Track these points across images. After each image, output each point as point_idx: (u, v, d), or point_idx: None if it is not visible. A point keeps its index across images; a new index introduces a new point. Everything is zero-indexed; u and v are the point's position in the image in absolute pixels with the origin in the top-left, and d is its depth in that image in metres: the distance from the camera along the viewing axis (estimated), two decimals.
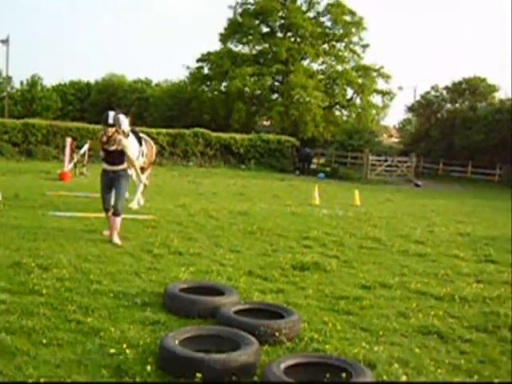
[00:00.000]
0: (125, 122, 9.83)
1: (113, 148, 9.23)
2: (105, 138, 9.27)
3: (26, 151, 29.41)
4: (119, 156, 9.29)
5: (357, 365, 4.24)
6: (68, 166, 19.79)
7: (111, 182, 9.37)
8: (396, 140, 60.58)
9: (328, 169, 36.74)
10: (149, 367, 4.26)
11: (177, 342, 4.47)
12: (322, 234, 11.45)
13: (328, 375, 4.15)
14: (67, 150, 20.48)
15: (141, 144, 13.09)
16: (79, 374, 4.17)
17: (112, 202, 9.50)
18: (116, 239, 9.13)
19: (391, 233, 12.51)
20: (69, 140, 21.12)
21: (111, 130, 9.19)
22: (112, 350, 4.54)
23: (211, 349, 4.48)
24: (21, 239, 8.90)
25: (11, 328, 4.98)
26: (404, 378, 4.26)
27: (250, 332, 4.87)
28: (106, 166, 9.41)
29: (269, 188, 22.79)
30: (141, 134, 13.46)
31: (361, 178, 33.22)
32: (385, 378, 4.29)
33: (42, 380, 3.94)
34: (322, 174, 34.31)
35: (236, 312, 5.45)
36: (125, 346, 4.62)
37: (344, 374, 4.09)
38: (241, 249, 9.46)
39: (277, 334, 5.05)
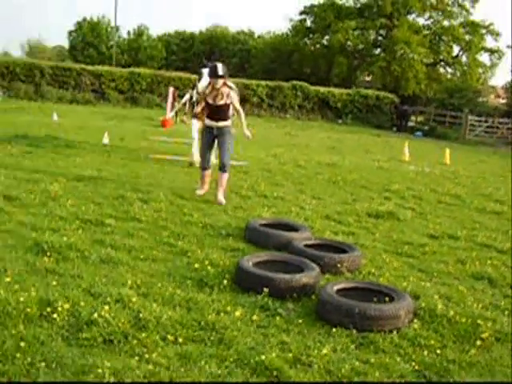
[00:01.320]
0: (205, 78, 10.09)
1: (221, 102, 8.60)
2: (213, 91, 8.61)
3: (132, 98, 31.10)
4: (226, 111, 8.72)
5: (400, 292, 4.92)
6: (170, 114, 20.95)
7: (214, 139, 8.91)
8: (503, 101, 58.56)
9: (426, 127, 36.43)
10: (225, 281, 5.12)
11: (251, 263, 5.30)
12: (403, 188, 11.95)
13: (374, 298, 4.86)
14: (169, 99, 21.61)
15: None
16: (168, 282, 5.08)
17: (213, 158, 9.36)
18: (221, 198, 8.70)
19: (473, 191, 12.82)
20: (171, 89, 22.23)
21: (221, 82, 8.50)
22: (196, 265, 5.45)
23: (279, 271, 5.27)
24: (125, 176, 10.01)
25: (115, 245, 5.99)
26: (439, 307, 4.90)
27: (315, 262, 5.62)
28: (210, 122, 8.81)
29: (362, 143, 23.21)
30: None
31: (458, 138, 32.85)
32: (423, 304, 4.95)
33: (139, 281, 4.90)
34: (419, 133, 34.16)
35: (306, 246, 6.22)
36: (207, 264, 5.51)
37: (387, 298, 4.79)
38: (322, 196, 10.19)
39: (338, 265, 5.80)
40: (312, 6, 48.49)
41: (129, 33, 62.32)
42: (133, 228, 6.76)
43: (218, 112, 8.68)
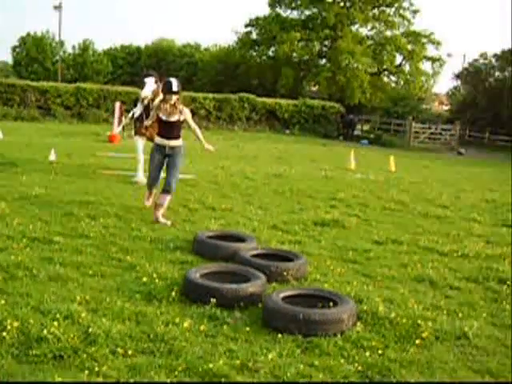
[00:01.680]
0: (149, 85, 10.74)
1: (175, 118, 8.27)
2: (166, 107, 8.24)
3: (78, 114, 30.81)
4: (179, 128, 8.42)
5: (344, 297, 5.11)
6: (117, 129, 20.88)
7: (165, 158, 8.47)
8: (446, 108, 60.15)
9: (372, 135, 37.14)
10: (174, 294, 5.23)
11: (198, 274, 5.41)
12: (349, 196, 12.24)
13: (319, 304, 5.02)
14: (116, 114, 21.57)
15: None
16: (117, 296, 5.15)
17: (161, 178, 8.77)
18: (162, 219, 8.32)
19: (417, 197, 13.20)
20: (118, 104, 22.17)
21: (175, 98, 8.20)
22: (145, 279, 5.54)
23: (226, 281, 5.40)
24: (72, 193, 9.98)
25: (64, 262, 6.02)
26: (381, 309, 5.11)
27: (262, 271, 5.77)
28: (161, 140, 8.39)
29: (309, 153, 23.53)
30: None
31: (403, 145, 33.62)
32: (366, 308, 5.16)
33: (88, 297, 4.95)
34: (365, 141, 34.81)
35: (252, 255, 6.37)
36: (156, 277, 5.60)
37: (331, 303, 4.97)
38: (270, 206, 10.36)
39: (284, 273, 5.96)
40: (257, 19, 49.01)
41: (74, 47, 61.90)
42: (81, 244, 6.79)
43: (171, 129, 8.32)
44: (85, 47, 60.92)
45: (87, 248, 6.66)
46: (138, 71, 60.74)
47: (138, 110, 11.72)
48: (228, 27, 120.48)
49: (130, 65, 63.44)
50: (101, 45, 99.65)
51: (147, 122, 9.45)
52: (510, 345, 4.87)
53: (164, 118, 8.31)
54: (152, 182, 8.69)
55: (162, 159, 8.47)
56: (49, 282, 5.42)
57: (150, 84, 10.98)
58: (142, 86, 11.10)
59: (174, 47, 62.79)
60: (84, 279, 5.58)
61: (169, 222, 8.26)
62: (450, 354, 4.61)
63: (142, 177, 11.51)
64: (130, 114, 13.57)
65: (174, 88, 8.13)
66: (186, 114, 8.37)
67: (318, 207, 10.75)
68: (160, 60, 60.32)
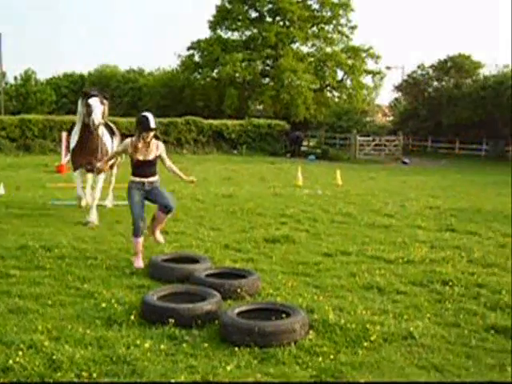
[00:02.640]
0: (98, 108, 9.89)
1: (151, 157, 7.75)
2: (143, 146, 7.67)
3: (24, 146, 30.51)
4: (155, 164, 7.90)
5: (296, 309, 5.39)
6: (65, 159, 20.83)
7: (146, 195, 7.88)
8: (389, 119, 61.49)
9: (318, 150, 37.78)
10: (133, 317, 5.42)
11: (155, 297, 5.62)
12: (298, 212, 12.59)
13: (273, 317, 5.29)
14: (63, 143, 21.52)
15: (114, 136, 11.60)
16: (78, 324, 5.32)
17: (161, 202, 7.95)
18: (160, 236, 8.29)
19: (363, 208, 13.64)
20: (64, 134, 22.13)
21: (151, 135, 7.66)
22: (104, 305, 5.72)
23: (182, 301, 5.62)
24: (25, 226, 10.04)
25: (22, 294, 6.16)
26: (331, 317, 5.41)
27: (217, 289, 6.01)
28: (140, 179, 7.77)
29: (257, 171, 23.87)
30: (110, 124, 11.83)
31: (349, 159, 34.33)
32: (317, 317, 5.45)
33: (50, 326, 5.11)
34: (312, 156, 35.37)
35: (207, 275, 6.61)
36: (114, 302, 5.78)
37: (284, 315, 5.24)
38: (221, 227, 10.61)
39: (238, 290, 6.22)
40: (199, 41, 49.38)
41: (15, 78, 61.23)
42: (38, 276, 6.91)
43: (149, 168, 7.77)
44: (27, 77, 60.41)
45: (44, 279, 6.79)
46: None
47: (74, 139, 10.51)
48: (170, 51, 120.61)
49: (74, 93, 62.85)
50: (43, 74, 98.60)
51: (109, 161, 9.03)
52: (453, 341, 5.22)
53: (141, 158, 7.69)
54: (137, 219, 7.80)
55: (143, 198, 7.85)
56: (9, 315, 5.55)
57: (98, 107, 9.89)
58: (86, 109, 9.90)
59: (118, 73, 62.74)
60: (44, 309, 5.73)
61: (163, 240, 8.37)
62: (397, 353, 4.94)
63: (94, 218, 10.43)
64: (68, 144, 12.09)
65: (152, 125, 7.54)
66: (161, 148, 7.89)
67: (268, 224, 11.03)
68: (104, 86, 60.00)
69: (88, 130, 10.08)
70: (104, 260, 7.73)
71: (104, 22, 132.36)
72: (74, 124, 10.96)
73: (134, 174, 7.82)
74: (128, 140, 7.82)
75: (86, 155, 10.28)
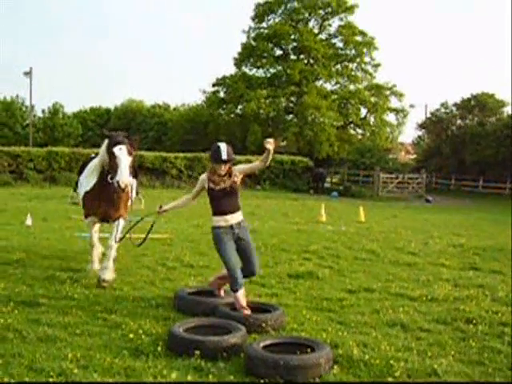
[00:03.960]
0: (125, 163, 7.56)
1: (228, 184, 6.81)
2: (215, 179, 6.81)
3: (51, 178, 31.04)
4: (236, 195, 6.95)
5: (321, 343, 5.45)
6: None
7: (236, 241, 6.84)
8: (412, 157, 61.54)
9: (341, 187, 37.87)
10: (159, 348, 5.51)
11: (182, 329, 5.71)
12: (321, 248, 12.62)
13: (298, 351, 5.34)
14: None
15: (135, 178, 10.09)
16: (106, 353, 5.41)
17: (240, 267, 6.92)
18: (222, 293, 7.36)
19: (387, 245, 13.64)
20: None
21: (225, 169, 6.76)
22: (131, 336, 5.82)
23: (208, 334, 5.70)
24: (52, 256, 10.23)
25: (51, 323, 6.29)
26: (355, 352, 5.45)
27: (242, 323, 6.09)
28: (223, 218, 6.79)
29: (281, 207, 23.99)
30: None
31: (372, 196, 34.34)
32: (341, 352, 5.50)
33: (78, 355, 5.21)
34: (335, 193, 35.46)
35: (232, 309, 6.68)
36: (141, 333, 5.88)
37: (309, 349, 5.30)
38: None
39: (263, 324, 6.28)
40: (224, 78, 50.07)
41: (43, 111, 62.41)
42: (66, 306, 7.05)
43: (230, 198, 6.84)
44: (55, 111, 61.51)
45: (72, 309, 6.92)
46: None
47: (88, 181, 8.55)
48: (196, 87, 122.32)
49: (100, 126, 63.93)
50: (70, 108, 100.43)
51: (177, 207, 7.58)
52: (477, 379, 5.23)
53: (216, 188, 6.79)
54: (234, 270, 6.72)
55: (232, 238, 6.82)
56: (38, 343, 5.67)
57: (125, 161, 7.57)
58: (110, 159, 7.70)
59: (144, 108, 63.68)
60: (72, 338, 5.84)
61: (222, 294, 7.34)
62: None
63: (111, 275, 8.34)
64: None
65: (224, 156, 6.60)
66: (237, 170, 6.94)
67: (291, 260, 11.09)
68: (130, 121, 61.07)
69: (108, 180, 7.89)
70: (130, 292, 7.85)
71: (131, 57, 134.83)
72: (90, 158, 9.38)
73: (215, 214, 6.83)
74: (203, 176, 7.01)
75: (102, 204, 8.36)
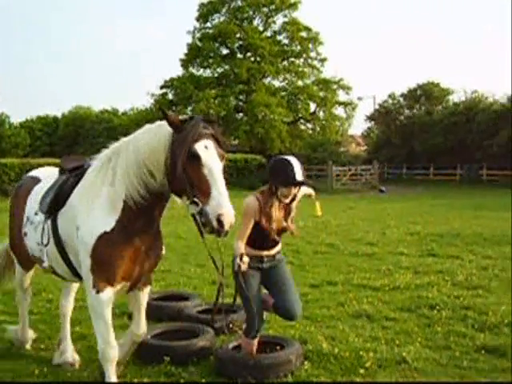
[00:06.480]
0: None
1: (281, 224, 5.09)
2: (277, 209, 4.96)
3: (1, 190, 30.35)
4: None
5: (290, 340, 5.46)
6: None
7: (262, 275, 5.18)
8: (363, 148, 62.28)
9: None
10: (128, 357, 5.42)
11: (149, 336, 5.64)
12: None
13: (268, 350, 5.34)
14: None
15: None
16: (76, 367, 5.31)
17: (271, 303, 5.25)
18: None
19: (345, 238, 13.77)
20: None
21: (294, 192, 4.93)
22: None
23: (176, 339, 5.65)
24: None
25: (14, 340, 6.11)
26: (325, 346, 5.48)
27: (209, 325, 6.04)
28: (256, 252, 5.12)
29: (237, 206, 23.88)
30: None
31: (327, 189, 34.60)
32: (311, 347, 5.51)
33: (45, 370, 5.10)
34: None
35: (198, 312, 6.64)
36: None
37: (278, 347, 5.30)
38: (206, 263, 10.61)
39: (231, 325, 6.25)
40: (172, 80, 49.74)
41: None
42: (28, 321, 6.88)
43: (278, 235, 5.18)
44: (1, 121, 60.20)
45: (34, 324, 6.74)
46: (56, 141, 60.31)
47: (106, 212, 4.43)
48: (143, 91, 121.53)
49: (48, 135, 62.95)
50: (17, 118, 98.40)
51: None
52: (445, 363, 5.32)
53: (274, 226, 5.01)
54: (254, 317, 5.10)
55: (259, 281, 5.21)
56: (2, 360, 5.56)
57: (220, 173, 4.43)
58: (181, 162, 4.12)
59: (92, 114, 62.85)
60: (38, 354, 5.72)
61: None
62: (392, 379, 5.01)
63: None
64: None
65: (298, 177, 4.78)
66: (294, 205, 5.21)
67: None
68: (78, 128, 60.19)
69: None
70: None
71: (77, 64, 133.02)
72: (30, 178, 5.91)
73: (249, 244, 5.04)
74: (252, 201, 4.92)
75: (140, 257, 4.60)
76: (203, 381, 4.93)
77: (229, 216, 3.99)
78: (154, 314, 6.87)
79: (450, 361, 5.41)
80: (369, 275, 9.38)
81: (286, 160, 4.81)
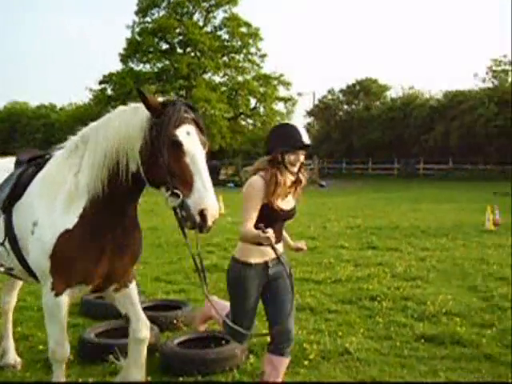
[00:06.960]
0: None
1: (293, 203, 4.58)
2: (284, 182, 4.25)
3: None
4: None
5: None
6: None
7: (268, 284, 4.43)
8: None
9: (237, 178, 38.15)
10: (71, 356, 5.33)
11: (93, 334, 5.59)
12: (224, 240, 12.70)
13: (213, 344, 5.37)
14: None
15: None
16: (18, 369, 5.22)
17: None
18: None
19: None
20: None
21: (303, 158, 4.34)
22: (40, 347, 5.62)
23: (121, 337, 5.61)
24: None
25: None
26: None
27: (153, 322, 6.02)
28: (261, 251, 4.25)
29: None
30: None
31: None
32: (254, 341, 5.58)
33: None
34: (231, 184, 35.69)
35: (142, 309, 6.59)
36: None
37: (223, 341, 5.34)
38: (149, 260, 10.58)
39: (175, 321, 6.26)
40: (110, 75, 49.03)
41: None
42: None
43: (282, 226, 4.54)
44: None
45: None
46: None
47: (65, 207, 3.96)
48: (82, 86, 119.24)
49: None
50: None
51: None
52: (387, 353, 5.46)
53: (283, 206, 4.36)
54: (244, 337, 4.63)
55: (261, 285, 4.42)
56: None
57: (204, 161, 3.82)
58: (163, 149, 3.77)
59: (28, 109, 61.42)
60: None
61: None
62: (336, 369, 5.13)
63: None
64: None
65: (305, 139, 4.20)
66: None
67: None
68: (14, 123, 58.72)
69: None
70: (33, 302, 7.55)
71: (12, 57, 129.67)
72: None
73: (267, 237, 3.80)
74: (258, 180, 4.18)
75: (108, 253, 4.15)
76: (149, 378, 4.92)
77: (213, 210, 3.63)
78: (98, 312, 6.83)
79: (391, 350, 5.56)
80: (311, 269, 9.51)
81: (289, 124, 4.33)
